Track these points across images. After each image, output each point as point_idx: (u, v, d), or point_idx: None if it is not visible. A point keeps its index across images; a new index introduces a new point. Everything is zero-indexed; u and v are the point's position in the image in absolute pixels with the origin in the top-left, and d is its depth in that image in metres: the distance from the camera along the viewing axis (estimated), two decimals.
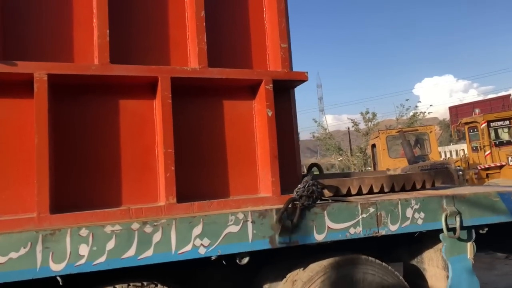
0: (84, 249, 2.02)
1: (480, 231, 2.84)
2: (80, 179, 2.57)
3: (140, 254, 2.09)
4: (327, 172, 5.89)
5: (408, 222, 2.61)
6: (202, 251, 2.17)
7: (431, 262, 2.89)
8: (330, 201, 2.68)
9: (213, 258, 2.20)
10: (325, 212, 2.45)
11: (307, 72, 3.03)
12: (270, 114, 2.88)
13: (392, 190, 3.18)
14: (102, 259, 2.05)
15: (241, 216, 2.27)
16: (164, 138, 2.62)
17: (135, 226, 2.10)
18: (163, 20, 2.86)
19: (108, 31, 2.59)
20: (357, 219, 2.50)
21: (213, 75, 2.78)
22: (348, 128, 28.16)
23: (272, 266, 2.75)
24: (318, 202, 2.51)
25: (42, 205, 2.32)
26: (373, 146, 15.21)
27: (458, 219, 2.68)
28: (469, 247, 2.83)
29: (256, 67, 3.04)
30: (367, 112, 24.73)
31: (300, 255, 2.59)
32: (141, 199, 2.65)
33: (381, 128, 20.13)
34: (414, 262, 3.03)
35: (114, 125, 2.69)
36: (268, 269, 2.78)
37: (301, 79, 3.01)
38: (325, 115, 68.91)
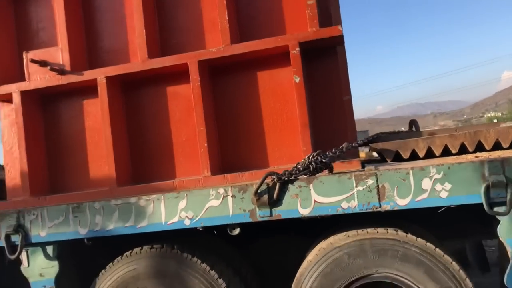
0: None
1: None
2: (142, 158, 3.10)
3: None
4: None
5: (425, 195, 2.09)
6: (187, 223, 2.38)
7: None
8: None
9: (199, 228, 2.38)
10: (311, 185, 2.23)
11: (340, 25, 2.69)
12: (297, 80, 2.73)
13: (480, 150, 2.55)
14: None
15: (221, 191, 2.34)
16: (197, 118, 2.86)
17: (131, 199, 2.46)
18: (195, 8, 3.05)
19: (144, 30, 2.97)
20: (351, 193, 2.18)
21: (236, 52, 2.81)
22: None
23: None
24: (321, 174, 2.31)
25: (111, 181, 2.96)
26: None
27: (509, 192, 1.98)
28: None
29: (290, 32, 2.87)
30: None
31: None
32: (189, 173, 2.98)
33: None
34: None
35: (168, 110, 3.08)
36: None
37: (333, 35, 2.69)
38: None
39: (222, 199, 2.33)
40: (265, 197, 2.24)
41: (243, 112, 2.97)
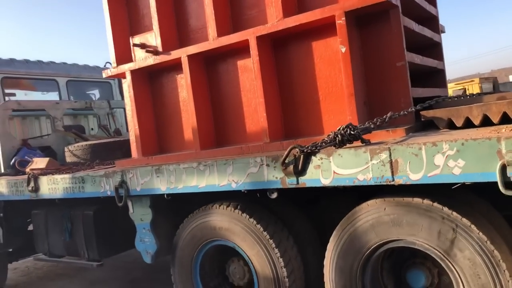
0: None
1: None
2: (222, 125, 3.49)
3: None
4: None
5: (437, 171, 2.00)
6: (233, 186, 2.71)
7: None
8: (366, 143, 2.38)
9: (243, 191, 2.69)
10: (331, 157, 2.30)
11: None
12: (343, 50, 2.73)
13: None
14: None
15: (258, 160, 2.59)
16: (257, 90, 3.10)
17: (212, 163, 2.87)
18: None
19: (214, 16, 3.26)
20: (366, 166, 2.19)
21: (288, 25, 2.92)
22: None
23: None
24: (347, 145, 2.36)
25: (196, 144, 3.44)
26: None
27: None
28: None
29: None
30: None
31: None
32: (254, 139, 3.27)
33: None
34: None
35: (239, 81, 3.37)
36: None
37: (377, 1, 2.58)
38: None
39: (259, 167, 2.58)
40: (291, 167, 2.42)
41: (302, 81, 3.08)
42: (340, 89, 2.89)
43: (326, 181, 2.34)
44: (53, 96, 6.35)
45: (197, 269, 3.23)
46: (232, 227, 2.95)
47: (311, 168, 2.39)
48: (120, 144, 4.73)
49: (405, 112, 2.63)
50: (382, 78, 2.84)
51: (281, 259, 2.78)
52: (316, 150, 2.37)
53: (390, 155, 2.12)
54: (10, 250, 5.30)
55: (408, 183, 2.10)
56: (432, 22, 3.81)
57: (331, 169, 2.32)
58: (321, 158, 2.35)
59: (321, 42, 2.96)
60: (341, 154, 2.29)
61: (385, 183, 2.16)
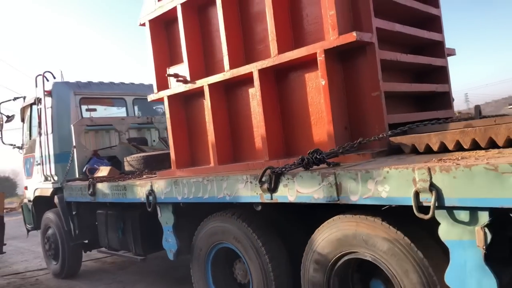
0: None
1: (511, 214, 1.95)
2: (235, 143, 3.99)
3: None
4: None
5: (370, 194, 2.30)
6: (227, 198, 3.18)
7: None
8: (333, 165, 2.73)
9: (235, 203, 3.15)
10: (295, 178, 2.69)
11: (355, 32, 2.89)
12: (323, 83, 3.11)
13: (494, 146, 2.50)
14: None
15: (245, 177, 3.03)
16: (259, 115, 3.56)
17: (212, 179, 3.40)
18: (260, 26, 3.64)
19: (226, 49, 3.77)
20: (319, 187, 2.54)
21: (282, 60, 3.34)
22: None
23: None
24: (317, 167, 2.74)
25: (213, 160, 3.98)
26: None
27: (434, 197, 2.05)
28: (478, 232, 2.02)
29: (327, 38, 3.17)
30: None
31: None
32: (259, 157, 3.71)
33: None
34: None
35: (248, 107, 3.84)
36: None
37: (349, 41, 2.91)
38: None
39: (245, 183, 3.04)
40: (266, 185, 2.85)
41: (299, 108, 3.47)
42: (321, 116, 3.26)
43: (291, 198, 2.74)
44: (124, 111, 7.30)
45: (208, 267, 3.75)
46: (234, 232, 3.43)
47: (281, 186, 2.79)
48: (168, 156, 5.42)
49: (376, 138, 2.93)
50: (361, 106, 3.16)
51: (269, 264, 3.20)
52: (285, 171, 2.77)
53: (335, 178, 2.47)
54: (86, 241, 6.25)
55: (349, 202, 2.43)
56: (434, 23, 3.98)
57: (295, 188, 2.71)
58: (288, 178, 2.75)
59: (312, 74, 3.34)
60: (302, 176, 2.67)
61: (333, 202, 2.51)
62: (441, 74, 3.99)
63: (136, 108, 7.40)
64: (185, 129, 4.51)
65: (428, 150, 2.72)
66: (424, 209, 2.12)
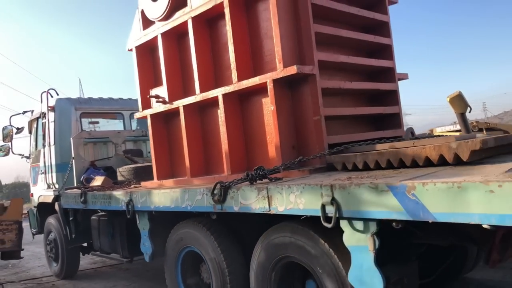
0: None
1: (394, 225, 2.35)
2: (207, 158, 4.43)
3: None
4: None
5: (291, 206, 2.71)
6: (188, 208, 3.62)
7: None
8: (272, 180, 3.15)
9: (195, 212, 3.59)
10: (239, 191, 3.12)
11: (295, 66, 3.32)
12: (272, 108, 3.54)
13: (403, 166, 2.91)
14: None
15: (202, 190, 3.47)
16: (223, 134, 4.00)
17: (177, 190, 3.85)
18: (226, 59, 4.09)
19: (197, 76, 4.23)
20: (256, 199, 2.97)
21: (241, 87, 3.78)
22: None
23: None
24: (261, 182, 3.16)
25: (187, 173, 4.43)
26: None
27: (334, 209, 2.46)
28: (369, 239, 2.42)
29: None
30: None
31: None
32: (225, 171, 4.14)
33: None
34: None
35: (217, 126, 4.28)
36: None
37: (291, 73, 3.35)
38: None
39: (202, 195, 3.47)
40: (217, 196, 3.28)
41: (258, 128, 3.89)
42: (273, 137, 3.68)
43: (236, 208, 3.16)
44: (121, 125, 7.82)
45: (178, 268, 4.19)
46: (199, 238, 3.86)
47: (228, 198, 3.22)
48: None
49: (314, 157, 3.35)
50: (305, 128, 3.57)
51: (226, 269, 3.61)
52: (232, 185, 3.20)
53: (267, 192, 2.89)
54: (85, 245, 6.74)
55: (277, 213, 2.85)
56: (386, 51, 4.39)
57: (239, 200, 3.14)
58: (234, 191, 3.18)
59: (266, 99, 3.76)
60: (244, 189, 3.10)
61: (266, 212, 2.93)
62: (392, 97, 4.38)
63: (134, 121, 7.92)
64: (166, 144, 4.97)
65: (355, 168, 3.12)
66: (329, 219, 2.52)
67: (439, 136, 3.46)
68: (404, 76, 4.57)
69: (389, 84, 4.32)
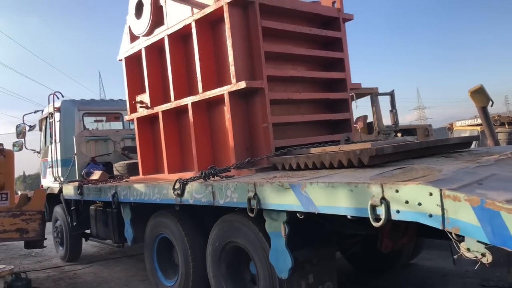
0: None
1: (298, 216, 2.89)
2: (181, 158, 5.03)
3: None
4: None
5: (228, 199, 3.29)
6: (157, 200, 4.22)
7: None
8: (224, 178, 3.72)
9: (162, 204, 4.19)
10: (193, 187, 3.70)
11: (244, 81, 3.88)
12: (228, 116, 4.11)
13: (324, 167, 3.45)
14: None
15: (167, 185, 4.06)
16: (193, 137, 4.58)
17: (149, 185, 4.46)
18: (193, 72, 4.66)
19: (172, 85, 4.82)
20: (204, 193, 3.55)
21: (205, 97, 4.36)
22: None
23: None
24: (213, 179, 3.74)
25: (165, 170, 5.03)
26: None
27: (256, 202, 3.02)
28: (282, 226, 2.98)
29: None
30: None
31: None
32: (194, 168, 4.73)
33: None
34: None
35: (190, 130, 4.87)
36: None
37: (242, 87, 3.90)
38: None
39: (168, 189, 4.06)
40: (177, 191, 3.87)
41: (221, 131, 4.45)
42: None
43: (191, 201, 3.75)
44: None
45: (154, 251, 4.81)
46: (169, 226, 4.47)
47: (186, 193, 3.81)
48: None
49: (262, 158, 3.91)
50: (257, 133, 4.12)
51: (189, 250, 4.21)
52: (188, 181, 3.79)
53: (212, 188, 3.47)
54: (88, 231, 7.43)
55: (219, 205, 3.42)
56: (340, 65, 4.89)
57: (192, 194, 3.73)
58: (189, 187, 3.77)
59: (226, 107, 4.33)
60: (196, 185, 3.68)
61: (211, 205, 3.51)
62: (344, 105, 4.90)
63: None
64: (151, 144, 5.59)
65: (291, 168, 3.67)
66: (253, 210, 3.09)
67: (364, 141, 3.97)
68: (357, 86, 5.08)
69: (340, 93, 4.84)
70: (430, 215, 2.03)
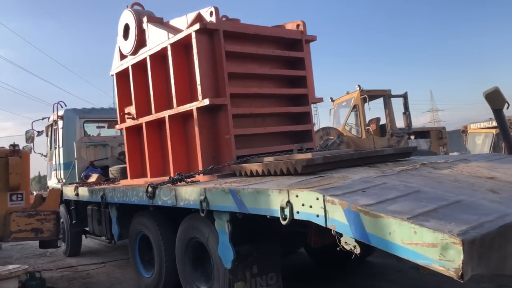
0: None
1: (237, 215, 3.40)
2: (163, 164, 5.57)
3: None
4: None
5: (187, 202, 3.81)
6: (135, 202, 4.77)
7: None
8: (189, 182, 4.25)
9: (138, 204, 4.74)
10: (161, 191, 4.24)
11: (207, 99, 4.41)
12: (196, 129, 4.64)
13: (270, 174, 3.96)
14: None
15: (143, 189, 4.61)
16: (169, 146, 5.13)
17: (129, 188, 5.01)
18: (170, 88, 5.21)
19: (152, 100, 5.37)
20: (170, 196, 4.08)
21: (179, 111, 4.90)
22: None
23: None
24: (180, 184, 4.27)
25: (148, 175, 5.59)
26: None
27: (205, 204, 3.54)
28: (226, 224, 3.50)
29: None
30: None
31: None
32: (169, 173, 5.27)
33: None
34: None
35: (166, 139, 5.42)
36: None
37: (206, 104, 4.44)
38: None
39: (143, 192, 4.60)
40: (149, 194, 4.41)
41: (192, 142, 5.00)
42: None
43: (160, 203, 4.28)
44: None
45: (136, 247, 5.36)
46: (147, 224, 5.02)
47: (156, 195, 4.35)
48: None
49: (223, 165, 4.44)
50: (221, 143, 4.65)
51: (163, 246, 4.75)
52: (158, 186, 4.33)
53: (175, 191, 4.01)
54: (87, 229, 8.03)
55: (180, 206, 3.95)
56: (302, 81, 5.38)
57: (161, 197, 4.26)
58: (159, 190, 4.31)
59: (194, 121, 4.87)
60: (164, 189, 4.22)
61: (175, 206, 4.04)
62: (306, 117, 5.40)
63: None
64: (138, 150, 6.14)
65: (246, 175, 4.19)
66: (203, 211, 3.61)
67: (307, 151, 4.47)
68: (318, 100, 5.58)
69: (302, 107, 5.34)
70: (318, 215, 2.53)
